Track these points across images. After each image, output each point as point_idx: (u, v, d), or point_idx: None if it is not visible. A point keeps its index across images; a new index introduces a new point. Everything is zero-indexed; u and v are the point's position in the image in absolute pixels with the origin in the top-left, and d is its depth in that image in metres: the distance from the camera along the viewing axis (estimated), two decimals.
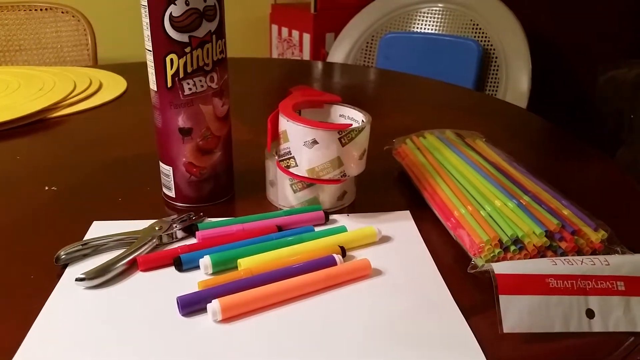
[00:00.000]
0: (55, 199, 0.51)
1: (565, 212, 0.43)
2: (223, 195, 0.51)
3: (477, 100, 0.88)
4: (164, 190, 0.50)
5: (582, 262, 0.37)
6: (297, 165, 0.46)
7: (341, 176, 0.46)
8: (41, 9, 1.25)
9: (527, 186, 0.47)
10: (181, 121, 0.46)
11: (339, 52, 1.60)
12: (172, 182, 0.49)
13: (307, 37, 2.03)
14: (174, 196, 0.50)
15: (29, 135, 0.66)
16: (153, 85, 0.46)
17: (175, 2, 0.41)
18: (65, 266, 0.40)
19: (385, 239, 0.45)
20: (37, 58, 1.26)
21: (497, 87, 1.40)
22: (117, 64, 1.00)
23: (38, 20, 1.24)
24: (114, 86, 0.84)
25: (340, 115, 0.52)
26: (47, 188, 0.52)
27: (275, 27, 2.20)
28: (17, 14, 1.23)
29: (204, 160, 0.48)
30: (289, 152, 0.46)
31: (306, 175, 0.46)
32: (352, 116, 0.50)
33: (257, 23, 2.27)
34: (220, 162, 0.49)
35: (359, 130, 0.45)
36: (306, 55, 2.07)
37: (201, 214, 0.47)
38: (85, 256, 0.42)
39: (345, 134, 0.44)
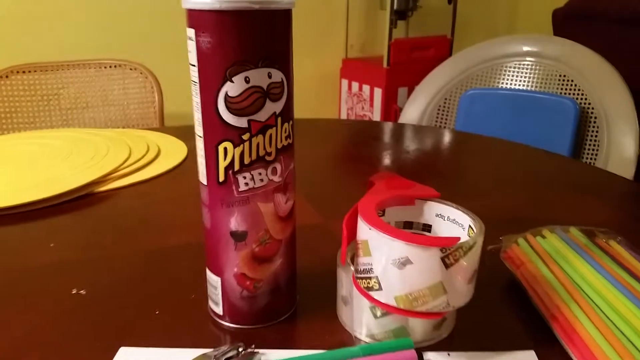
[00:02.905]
0: (80, 307, 0.42)
1: None
2: (283, 312, 0.40)
3: (587, 174, 0.73)
4: (210, 304, 0.40)
5: None
6: (381, 289, 0.34)
7: (443, 307, 0.34)
8: (110, 66, 1.23)
9: None
10: (234, 223, 0.36)
11: (413, 109, 1.49)
12: (220, 296, 0.38)
13: (378, 92, 1.95)
14: (221, 313, 0.39)
15: (69, 214, 0.59)
16: (202, 178, 0.36)
17: (233, 79, 0.32)
18: None
19: None
20: (104, 115, 1.24)
21: (597, 152, 1.23)
22: (181, 127, 0.94)
23: (106, 78, 1.23)
24: (172, 153, 0.77)
25: (437, 215, 0.40)
26: (74, 291, 0.43)
27: (345, 82, 2.14)
28: (87, 71, 1.22)
29: (260, 271, 0.38)
30: (371, 270, 0.35)
31: (394, 304, 0.34)
32: (454, 218, 0.38)
33: (327, 77, 2.22)
34: (280, 273, 0.39)
35: (470, 246, 0.33)
36: (377, 110, 1.98)
37: (253, 346, 0.36)
38: None
39: (450, 252, 0.32)
